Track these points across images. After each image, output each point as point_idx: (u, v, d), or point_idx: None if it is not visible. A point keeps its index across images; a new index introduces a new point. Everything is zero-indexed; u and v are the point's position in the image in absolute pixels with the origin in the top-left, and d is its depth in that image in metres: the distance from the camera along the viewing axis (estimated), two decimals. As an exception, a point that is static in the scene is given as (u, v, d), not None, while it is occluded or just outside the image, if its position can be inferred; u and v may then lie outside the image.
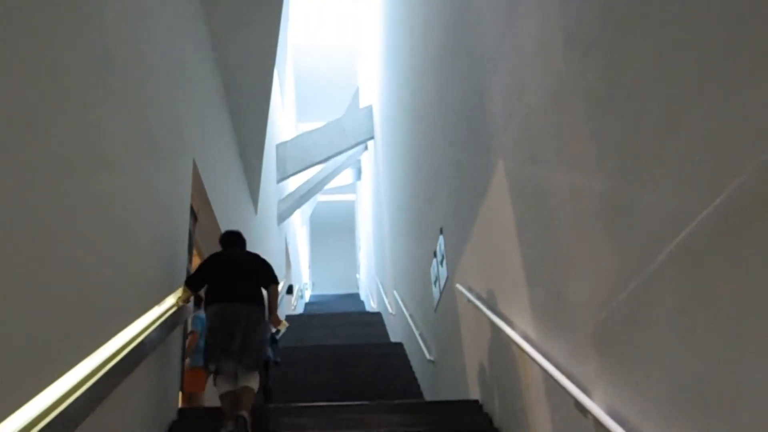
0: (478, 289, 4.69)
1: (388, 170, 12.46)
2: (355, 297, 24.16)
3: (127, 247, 3.76)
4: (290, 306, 17.10)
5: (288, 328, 13.79)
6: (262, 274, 5.09)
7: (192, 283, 5.04)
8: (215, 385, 4.83)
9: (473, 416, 4.58)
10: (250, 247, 8.88)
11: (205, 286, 5.07)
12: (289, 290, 16.68)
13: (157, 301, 4.45)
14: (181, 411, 4.91)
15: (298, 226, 21.98)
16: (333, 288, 28.30)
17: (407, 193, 9.28)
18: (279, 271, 14.55)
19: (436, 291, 6.65)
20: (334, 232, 31.51)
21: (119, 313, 3.60)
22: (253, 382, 4.74)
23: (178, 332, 4.98)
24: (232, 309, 4.78)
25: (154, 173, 4.46)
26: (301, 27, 19.67)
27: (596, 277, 2.59)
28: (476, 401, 4.77)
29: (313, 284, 28.28)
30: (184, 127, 5.52)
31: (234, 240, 5.40)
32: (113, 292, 3.50)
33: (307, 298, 23.61)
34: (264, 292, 5.08)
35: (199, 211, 6.75)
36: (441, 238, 6.21)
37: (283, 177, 14.55)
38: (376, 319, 14.24)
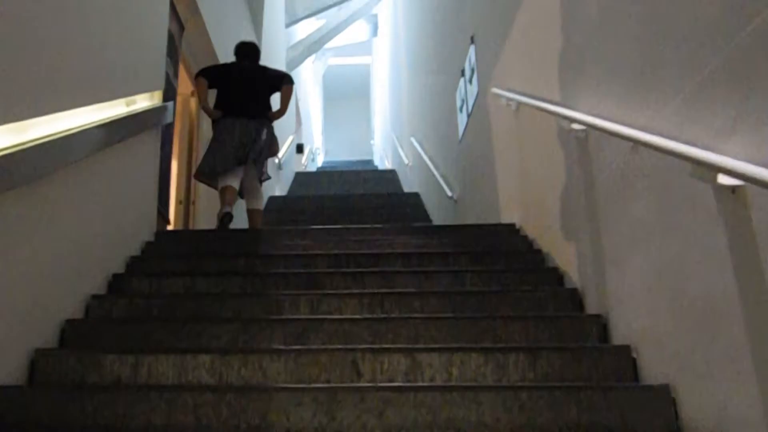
0: (520, 87, 3.77)
1: (407, 8, 11.26)
2: (369, 163, 23.42)
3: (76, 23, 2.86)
4: (300, 166, 16.30)
5: (297, 184, 13.15)
6: (277, 79, 5.01)
7: (206, 73, 4.96)
8: (217, 181, 4.69)
9: (508, 238, 3.78)
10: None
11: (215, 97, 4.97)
12: (299, 149, 15.90)
13: (125, 94, 3.61)
14: (159, 234, 4.14)
15: (310, 83, 20.87)
16: (347, 155, 27.51)
17: (430, 21, 8.19)
18: (289, 126, 13.66)
19: (462, 117, 5.74)
20: (348, 97, 30.30)
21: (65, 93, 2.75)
22: (260, 203, 4.89)
23: (153, 139, 4.13)
24: (243, 124, 4.71)
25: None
26: None
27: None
28: (512, 224, 3.96)
29: (326, 151, 27.48)
30: None
31: (248, 51, 5.18)
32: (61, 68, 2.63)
33: (319, 163, 22.90)
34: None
35: (187, 21, 5.78)
36: (471, 49, 5.23)
37: (292, 21, 13.40)
38: (391, 176, 13.47)
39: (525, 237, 3.68)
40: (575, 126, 2.76)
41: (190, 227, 6.06)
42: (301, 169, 16.20)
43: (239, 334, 2.68)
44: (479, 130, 5.02)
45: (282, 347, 2.54)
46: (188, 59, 6.26)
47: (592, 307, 2.71)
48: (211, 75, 4.93)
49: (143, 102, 4.00)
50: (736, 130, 1.67)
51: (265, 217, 8.22)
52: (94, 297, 3.02)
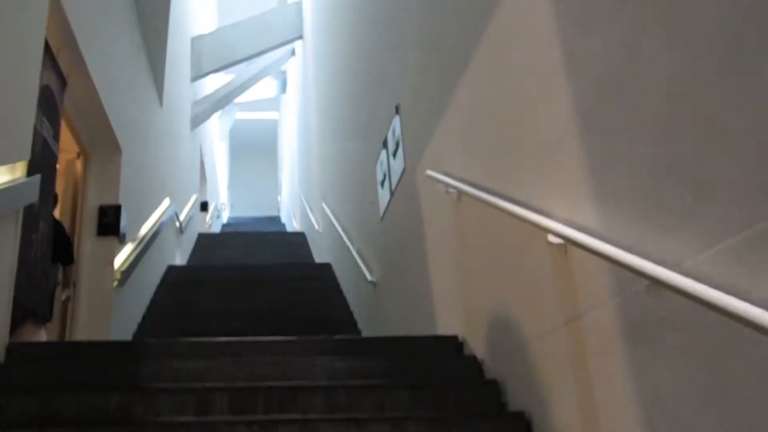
0: (464, 173, 3.15)
1: (319, 69, 10.68)
2: (275, 220, 22.69)
3: None
4: (204, 224, 15.37)
5: (200, 247, 12.28)
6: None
7: None
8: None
9: (452, 359, 3.10)
10: (157, 143, 7.52)
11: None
12: (204, 207, 15.10)
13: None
14: (13, 349, 3.22)
15: (216, 139, 20.02)
16: (252, 210, 26.76)
17: (345, 84, 7.59)
18: (193, 183, 12.77)
19: (384, 193, 5.09)
20: (255, 152, 29.69)
21: None
22: None
23: (9, 225, 3.26)
24: None
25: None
26: None
27: None
28: (454, 337, 3.28)
29: (231, 206, 26.56)
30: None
31: None
32: None
33: (224, 219, 21.98)
34: None
35: (70, 74, 4.94)
36: (396, 120, 4.62)
37: (198, 75, 12.69)
38: (300, 239, 12.70)
39: (473, 358, 3.00)
40: (552, 238, 2.14)
41: (67, 326, 5.05)
42: (205, 229, 15.26)
43: None
44: (406, 212, 4.38)
45: None
46: (72, 118, 5.39)
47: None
48: None
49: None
50: None
51: (160, 293, 7.32)
52: None
